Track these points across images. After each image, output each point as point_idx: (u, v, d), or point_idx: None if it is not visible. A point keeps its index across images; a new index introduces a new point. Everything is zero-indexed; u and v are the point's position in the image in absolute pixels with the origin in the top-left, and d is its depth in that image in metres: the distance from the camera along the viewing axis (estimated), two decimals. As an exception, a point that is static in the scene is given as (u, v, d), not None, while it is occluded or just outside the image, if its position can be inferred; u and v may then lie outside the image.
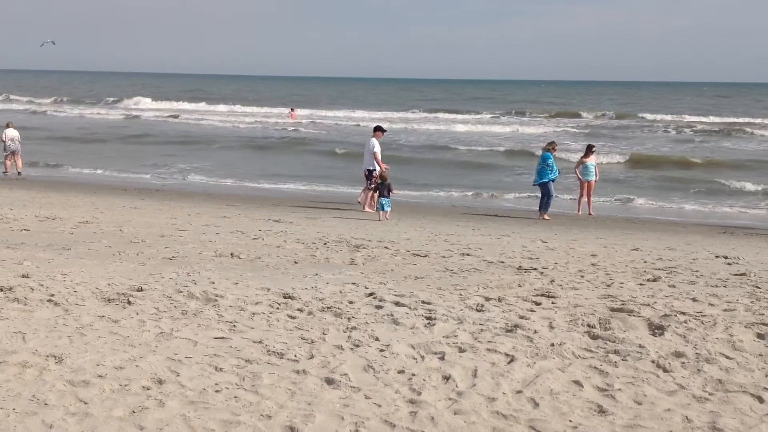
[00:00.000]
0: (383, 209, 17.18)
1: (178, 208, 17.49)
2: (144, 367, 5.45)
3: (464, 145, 39.07)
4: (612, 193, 23.25)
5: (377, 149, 18.82)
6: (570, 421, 4.74)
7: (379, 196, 17.37)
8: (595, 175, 19.92)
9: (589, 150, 20.34)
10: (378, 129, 19.47)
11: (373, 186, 18.30)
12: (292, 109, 63.46)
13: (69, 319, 6.63)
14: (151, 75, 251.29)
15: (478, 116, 65.49)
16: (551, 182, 18.68)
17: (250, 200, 20.68)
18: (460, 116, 64.97)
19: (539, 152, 21.09)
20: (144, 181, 25.91)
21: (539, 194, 19.07)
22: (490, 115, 66.40)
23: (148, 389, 5.07)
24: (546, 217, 18.53)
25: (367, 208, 18.72)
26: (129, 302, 7.22)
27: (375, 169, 18.62)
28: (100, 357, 5.65)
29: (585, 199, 19.94)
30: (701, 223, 18.73)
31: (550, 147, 19.20)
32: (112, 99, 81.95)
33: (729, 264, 10.89)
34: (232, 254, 10.51)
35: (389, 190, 17.39)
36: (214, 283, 8.25)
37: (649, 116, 62.42)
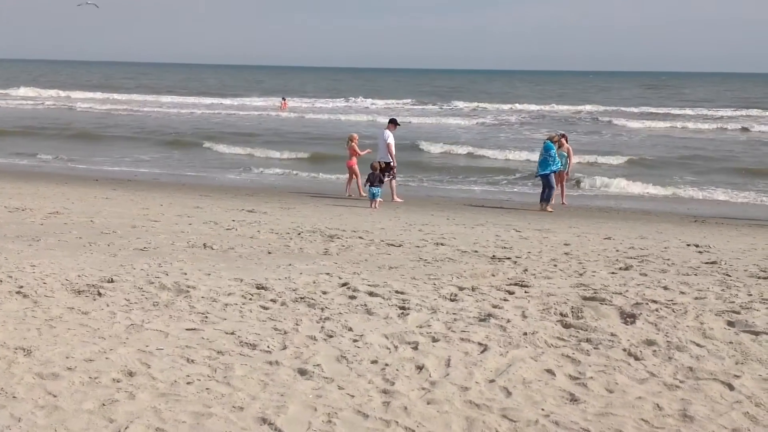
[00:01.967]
0: (374, 198, 17.86)
1: (150, 199, 17.32)
2: (114, 360, 5.40)
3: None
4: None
5: (391, 140, 19.13)
6: (542, 409, 4.76)
7: (370, 186, 18.04)
8: (569, 164, 19.98)
9: (560, 138, 20.35)
10: (392, 122, 19.75)
11: (390, 177, 18.88)
12: (283, 99, 61.82)
13: (38, 311, 6.55)
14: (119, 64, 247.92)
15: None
16: (553, 174, 18.34)
17: (223, 190, 20.54)
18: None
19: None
20: (114, 172, 25.64)
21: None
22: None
23: (118, 381, 5.02)
24: (549, 208, 18.21)
25: (396, 198, 19.10)
26: (99, 294, 7.14)
27: (390, 161, 18.97)
28: (70, 349, 5.59)
29: (557, 188, 19.99)
30: (672, 212, 18.89)
31: (555, 137, 18.83)
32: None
33: (700, 252, 11.00)
34: (204, 245, 10.43)
35: (380, 180, 18.12)
36: (186, 274, 8.19)
37: (570, 107, 61.05)
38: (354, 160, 20.02)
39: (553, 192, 18.48)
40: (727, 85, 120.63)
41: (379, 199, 17.94)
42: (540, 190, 18.81)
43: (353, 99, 72.52)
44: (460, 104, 65.61)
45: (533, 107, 61.29)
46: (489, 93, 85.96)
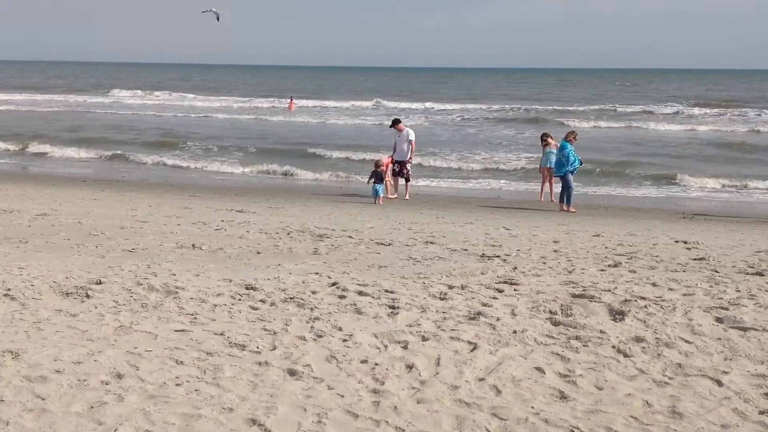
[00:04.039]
0: (377, 195, 18.74)
1: (139, 200, 17.26)
2: (103, 362, 5.37)
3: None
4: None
5: (394, 139, 20.21)
6: (532, 407, 4.76)
7: (374, 183, 18.84)
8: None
9: (543, 139, 20.35)
10: (397, 121, 20.68)
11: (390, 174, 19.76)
12: (291, 99, 60.74)
13: (26, 314, 6.51)
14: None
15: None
16: (570, 173, 17.95)
17: (212, 190, 20.50)
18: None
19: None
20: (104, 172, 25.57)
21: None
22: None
23: (106, 384, 5.00)
24: (572, 209, 17.81)
25: (389, 195, 19.68)
26: (87, 296, 7.11)
27: (403, 160, 19.81)
28: (58, 352, 5.56)
29: (547, 186, 20.03)
30: (662, 208, 18.95)
31: (571, 136, 18.45)
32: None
33: (688, 249, 11.03)
34: (193, 245, 10.40)
35: (382, 178, 18.99)
36: (174, 275, 8.16)
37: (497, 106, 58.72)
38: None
39: (572, 192, 18.11)
40: (696, 81, 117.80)
41: (381, 196, 18.79)
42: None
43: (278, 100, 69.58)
44: (404, 104, 61.97)
45: (473, 106, 58.54)
46: (444, 92, 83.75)
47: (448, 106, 59.17)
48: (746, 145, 32.38)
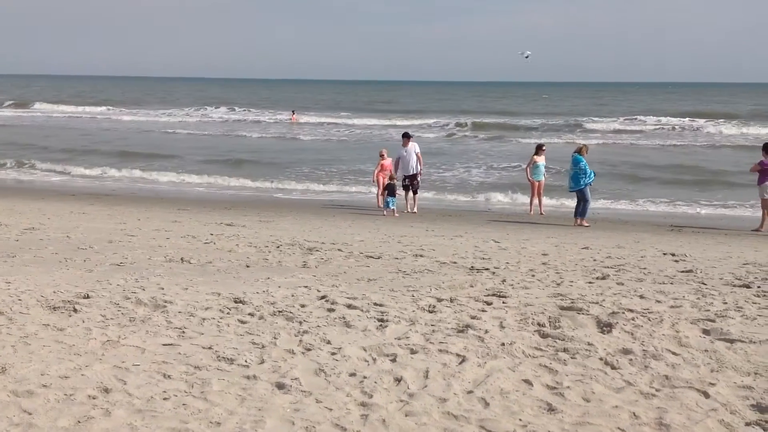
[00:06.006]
0: (389, 207, 19.03)
1: (128, 213, 17.24)
2: (90, 376, 5.35)
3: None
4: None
5: (404, 154, 20.18)
6: (520, 420, 4.77)
7: (387, 196, 19.17)
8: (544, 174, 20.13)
9: (539, 149, 20.47)
10: (404, 136, 20.85)
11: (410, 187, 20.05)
12: (293, 113, 60.98)
13: (13, 328, 6.48)
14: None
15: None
16: (587, 186, 17.70)
17: (202, 204, 20.48)
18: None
19: None
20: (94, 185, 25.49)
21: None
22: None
23: (94, 398, 4.97)
24: (585, 223, 17.53)
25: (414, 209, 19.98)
26: (75, 310, 7.08)
27: (413, 174, 19.96)
28: (45, 366, 5.53)
29: (536, 198, 20.11)
30: (650, 221, 19.03)
31: (584, 150, 18.17)
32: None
33: (676, 261, 11.09)
34: (182, 259, 10.38)
35: (394, 191, 19.37)
36: (163, 288, 8.14)
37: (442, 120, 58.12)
38: (383, 173, 20.34)
39: (588, 206, 17.80)
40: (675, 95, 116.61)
41: (393, 208, 18.95)
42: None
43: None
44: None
45: (410, 122, 56.36)
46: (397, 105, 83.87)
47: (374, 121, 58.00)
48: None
